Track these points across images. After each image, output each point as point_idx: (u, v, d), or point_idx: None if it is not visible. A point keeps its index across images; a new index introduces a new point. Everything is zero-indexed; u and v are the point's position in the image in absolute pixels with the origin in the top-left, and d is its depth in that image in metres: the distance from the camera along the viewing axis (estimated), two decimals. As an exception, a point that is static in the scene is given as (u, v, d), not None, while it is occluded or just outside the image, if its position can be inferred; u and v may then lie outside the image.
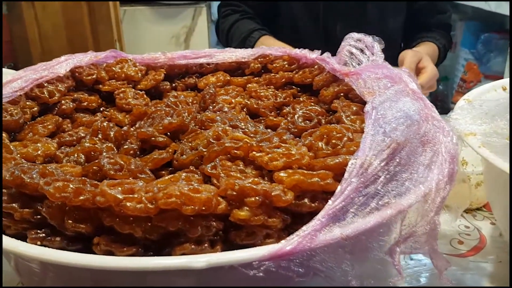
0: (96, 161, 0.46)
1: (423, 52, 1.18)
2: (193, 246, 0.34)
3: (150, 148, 0.53)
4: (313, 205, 0.37)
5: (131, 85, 0.68)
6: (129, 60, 0.70)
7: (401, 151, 0.41)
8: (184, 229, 0.34)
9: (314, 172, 0.37)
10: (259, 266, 0.33)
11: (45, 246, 0.35)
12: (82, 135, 0.54)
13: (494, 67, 2.28)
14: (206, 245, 0.34)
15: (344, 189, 0.36)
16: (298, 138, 0.50)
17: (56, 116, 0.57)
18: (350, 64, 0.64)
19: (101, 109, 0.65)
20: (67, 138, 0.53)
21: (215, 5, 2.26)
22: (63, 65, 0.63)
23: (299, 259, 0.34)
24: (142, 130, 0.53)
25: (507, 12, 1.84)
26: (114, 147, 0.51)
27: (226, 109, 0.62)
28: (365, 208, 0.37)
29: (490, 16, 2.12)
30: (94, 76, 0.65)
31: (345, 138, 0.45)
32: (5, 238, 0.36)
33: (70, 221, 0.35)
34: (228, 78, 0.73)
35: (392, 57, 0.62)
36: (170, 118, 0.55)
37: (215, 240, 0.35)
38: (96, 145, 0.49)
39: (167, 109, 0.59)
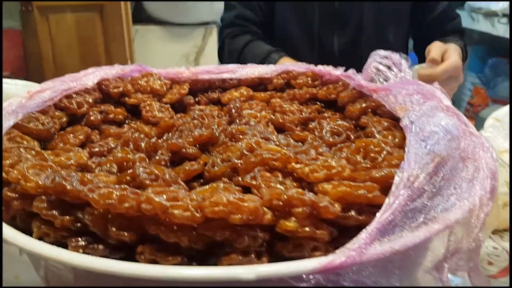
0: (130, 171, 0.45)
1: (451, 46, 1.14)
2: (240, 257, 0.33)
3: (179, 160, 0.52)
4: (360, 218, 0.36)
5: (156, 99, 0.68)
6: (154, 74, 0.70)
7: (444, 165, 0.41)
8: (231, 239, 0.33)
9: (361, 184, 0.37)
10: (309, 279, 0.32)
11: (87, 254, 0.35)
12: (112, 145, 0.53)
13: (502, 91, 2.29)
14: (252, 256, 0.34)
15: (392, 202, 0.36)
16: (332, 152, 0.50)
17: (86, 127, 0.57)
18: (377, 80, 0.64)
19: (127, 121, 0.65)
20: (97, 149, 0.52)
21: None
22: (90, 77, 0.63)
23: (348, 273, 0.33)
24: (172, 141, 0.52)
25: (515, 37, 1.86)
26: (146, 158, 0.50)
27: (252, 123, 0.62)
28: (413, 222, 0.36)
29: (497, 40, 2.14)
30: (121, 89, 0.65)
31: (384, 152, 0.44)
32: (46, 246, 0.35)
33: (114, 229, 0.34)
34: (252, 93, 0.73)
35: None
36: (200, 130, 0.54)
37: (261, 252, 0.35)
38: (128, 155, 0.49)
39: (194, 121, 0.59)
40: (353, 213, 0.36)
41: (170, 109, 0.66)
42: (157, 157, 0.51)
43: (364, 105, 0.62)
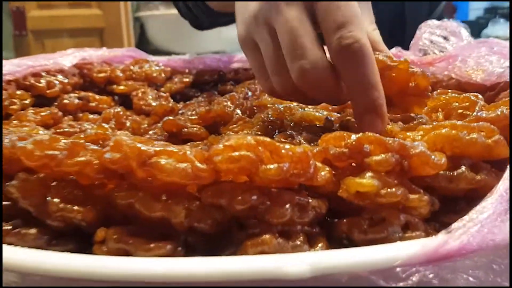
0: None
1: None
2: (279, 240, 0.18)
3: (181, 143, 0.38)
4: (478, 177, 0.21)
5: (152, 88, 0.55)
6: (150, 61, 0.57)
7: None
8: (262, 209, 0.19)
9: (473, 125, 0.22)
10: (409, 276, 0.17)
11: (10, 244, 0.20)
12: (88, 127, 0.39)
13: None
14: (300, 239, 0.19)
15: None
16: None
17: (55, 108, 0.43)
18: (431, 53, 0.51)
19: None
20: (66, 129, 0.38)
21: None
22: (69, 57, 0.51)
23: (467, 266, 0.19)
24: (169, 119, 0.39)
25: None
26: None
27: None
28: None
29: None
30: (107, 73, 0.52)
31: (478, 105, 0.30)
32: None
33: (57, 200, 0.20)
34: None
35: None
36: (207, 107, 0.41)
37: (314, 234, 0.20)
38: (106, 132, 0.35)
39: (201, 104, 0.45)
40: (464, 169, 0.21)
41: (170, 99, 0.53)
42: (149, 136, 0.37)
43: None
